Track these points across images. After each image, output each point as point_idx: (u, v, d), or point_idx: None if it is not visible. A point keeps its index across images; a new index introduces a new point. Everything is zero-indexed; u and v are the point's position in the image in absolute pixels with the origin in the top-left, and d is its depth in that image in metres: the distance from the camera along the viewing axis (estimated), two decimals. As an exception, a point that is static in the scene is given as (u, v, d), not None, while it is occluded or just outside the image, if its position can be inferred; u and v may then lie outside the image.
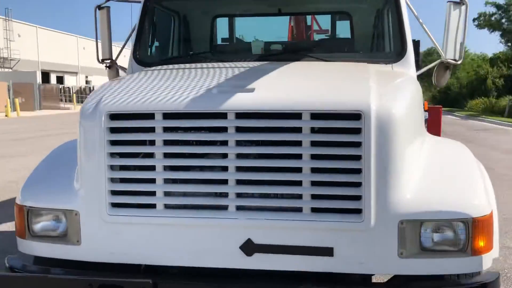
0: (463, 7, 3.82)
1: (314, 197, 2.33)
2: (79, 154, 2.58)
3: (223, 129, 2.38)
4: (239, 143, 2.38)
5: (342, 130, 2.32)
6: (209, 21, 4.80)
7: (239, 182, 2.37)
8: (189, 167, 2.45)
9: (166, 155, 2.43)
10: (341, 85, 2.67)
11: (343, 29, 5.12)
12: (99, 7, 4.09)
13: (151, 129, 2.43)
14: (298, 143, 2.33)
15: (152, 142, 2.44)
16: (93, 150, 2.47)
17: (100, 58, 4.18)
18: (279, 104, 2.36)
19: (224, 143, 2.38)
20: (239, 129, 2.36)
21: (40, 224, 2.60)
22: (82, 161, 2.55)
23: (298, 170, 2.34)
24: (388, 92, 2.51)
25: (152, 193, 2.44)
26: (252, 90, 2.45)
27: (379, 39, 4.22)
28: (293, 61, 3.50)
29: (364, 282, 2.46)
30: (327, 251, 2.33)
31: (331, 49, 4.03)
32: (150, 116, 2.43)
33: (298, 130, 2.33)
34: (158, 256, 2.47)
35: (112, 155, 2.46)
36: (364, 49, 4.29)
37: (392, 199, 2.30)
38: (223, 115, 2.37)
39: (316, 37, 7.93)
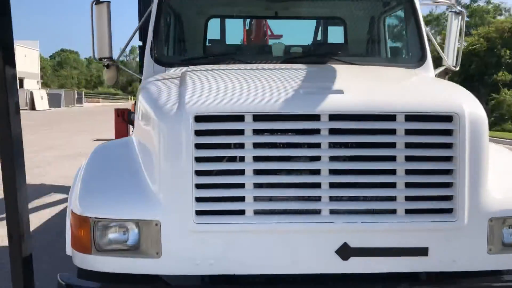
0: (460, 16, 4.07)
1: (407, 198, 2.35)
2: (158, 159, 2.39)
3: (315, 131, 2.33)
4: (332, 145, 2.34)
5: (435, 131, 2.37)
6: (221, 22, 4.71)
7: (332, 185, 2.34)
8: (278, 171, 2.36)
9: (256, 159, 2.33)
10: (430, 88, 2.72)
11: (337, 35, 5.23)
12: (97, 2, 3.82)
13: (240, 132, 2.31)
14: (392, 145, 2.34)
15: (240, 145, 2.32)
16: (177, 154, 2.31)
17: (97, 56, 3.87)
18: (373, 106, 2.36)
19: (316, 145, 2.33)
20: (332, 131, 2.32)
21: (110, 237, 2.37)
22: (163, 167, 2.37)
23: (392, 172, 2.35)
24: (468, 94, 2.60)
25: (241, 199, 2.32)
26: (341, 92, 2.42)
27: (398, 44, 4.37)
28: (318, 63, 3.52)
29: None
30: (422, 251, 2.36)
31: (354, 53, 4.10)
32: (239, 118, 2.32)
33: (391, 132, 2.35)
34: (248, 264, 2.35)
35: (198, 159, 2.31)
36: (382, 54, 4.40)
37: (483, 198, 2.38)
38: (315, 117, 2.32)
39: (271, 41, 8.05)
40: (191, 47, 4.33)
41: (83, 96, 57.76)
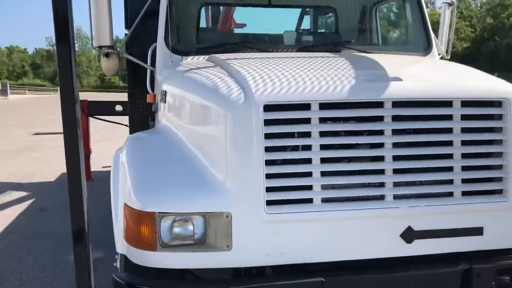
0: (452, 7, 4.29)
1: (463, 181, 2.46)
2: (223, 149, 2.32)
3: (378, 119, 2.36)
4: (394, 132, 2.38)
5: (486, 116, 2.48)
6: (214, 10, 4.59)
7: (395, 171, 2.38)
8: (343, 158, 2.37)
9: (322, 147, 2.32)
10: (474, 75, 2.83)
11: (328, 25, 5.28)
12: None
13: (306, 120, 2.30)
14: (449, 130, 2.43)
15: (307, 134, 2.31)
16: (247, 145, 2.25)
17: (96, 44, 3.63)
18: (433, 92, 2.43)
19: (380, 132, 2.37)
20: (395, 118, 2.37)
21: (176, 232, 2.26)
22: (232, 158, 2.30)
23: (450, 156, 2.43)
24: (505, 81, 2.75)
25: (309, 187, 2.31)
26: (400, 79, 2.46)
27: (404, 33, 4.50)
28: (333, 52, 3.56)
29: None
30: (478, 231, 2.47)
31: (364, 42, 4.18)
32: (306, 106, 2.30)
33: (448, 117, 2.43)
34: (317, 252, 2.35)
35: (267, 149, 2.26)
36: (389, 42, 4.52)
37: None
38: (379, 104, 2.35)
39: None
40: (201, 35, 4.18)
41: (8, 87, 53.90)
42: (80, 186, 2.06)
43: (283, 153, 2.30)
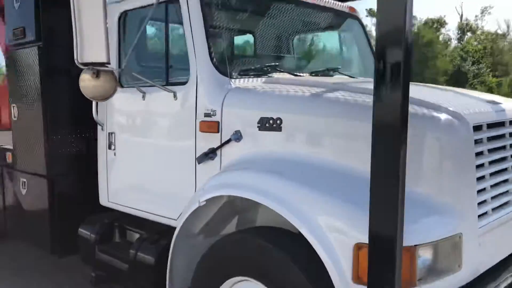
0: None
1: None
2: (438, 170, 2.38)
3: None
4: None
5: None
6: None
7: None
8: None
9: None
10: None
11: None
12: None
13: (502, 136, 2.71)
14: None
15: (503, 148, 2.70)
16: (463, 164, 2.42)
17: (83, 60, 2.79)
18: None
19: None
20: None
21: (427, 262, 2.20)
22: (449, 178, 2.38)
23: None
24: None
25: (506, 193, 2.70)
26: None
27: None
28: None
29: None
30: None
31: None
32: (501, 124, 2.72)
33: None
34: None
35: (477, 166, 2.47)
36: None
37: None
38: None
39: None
40: (238, 58, 3.95)
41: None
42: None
43: (488, 168, 2.56)
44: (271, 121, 2.76)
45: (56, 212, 4.09)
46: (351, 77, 3.94)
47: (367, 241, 2.12)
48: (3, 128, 7.22)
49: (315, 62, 4.19)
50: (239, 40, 3.68)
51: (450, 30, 56.85)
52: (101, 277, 3.85)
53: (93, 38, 2.85)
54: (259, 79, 3.26)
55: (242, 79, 3.18)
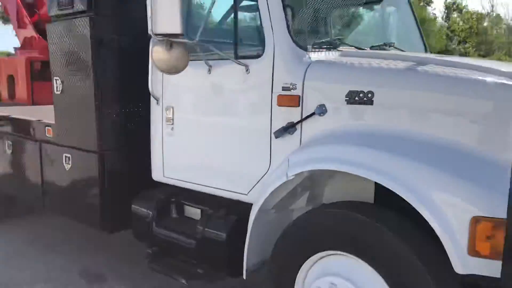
0: None
1: None
2: None
3: None
4: None
5: None
6: None
7: None
8: None
9: None
10: None
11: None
12: None
13: None
14: None
15: None
16: None
17: (158, 30, 2.83)
18: None
19: None
20: None
21: None
22: None
23: None
24: None
25: None
26: None
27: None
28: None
29: None
30: None
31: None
32: None
33: None
34: None
35: None
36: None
37: None
38: None
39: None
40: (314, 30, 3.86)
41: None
42: None
43: None
44: (361, 95, 2.73)
45: (106, 188, 4.02)
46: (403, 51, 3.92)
47: (484, 215, 2.16)
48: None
49: (369, 36, 4.15)
50: (305, 14, 3.58)
51: (436, 9, 57.21)
52: (158, 253, 3.84)
53: (166, 9, 2.82)
54: (331, 52, 3.22)
55: (317, 53, 3.13)
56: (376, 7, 4.31)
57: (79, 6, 3.87)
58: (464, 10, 42.06)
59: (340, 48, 3.36)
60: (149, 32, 2.92)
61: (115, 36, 3.89)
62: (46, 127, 4.56)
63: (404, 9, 4.42)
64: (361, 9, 4.26)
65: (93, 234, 4.78)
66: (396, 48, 3.89)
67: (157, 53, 2.96)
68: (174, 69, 3.04)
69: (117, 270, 4.80)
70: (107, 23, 3.88)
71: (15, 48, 8.20)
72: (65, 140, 4.32)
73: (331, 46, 3.33)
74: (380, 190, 2.75)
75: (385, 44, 3.85)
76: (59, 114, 4.34)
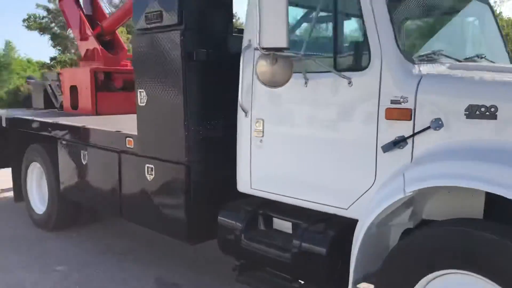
0: None
1: None
2: None
3: None
4: None
5: None
6: None
7: None
8: None
9: None
10: None
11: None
12: None
13: None
14: None
15: None
16: None
17: (266, 44, 2.81)
18: None
19: None
20: None
21: None
22: None
23: None
24: None
25: None
26: None
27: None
28: None
29: None
30: None
31: None
32: None
33: None
34: None
35: None
36: None
37: None
38: None
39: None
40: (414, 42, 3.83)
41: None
42: None
43: None
44: (482, 109, 2.66)
45: (192, 199, 4.05)
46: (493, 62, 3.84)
47: None
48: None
49: (459, 48, 4.07)
50: (407, 26, 3.56)
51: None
52: (246, 266, 3.82)
53: (272, 23, 2.83)
54: (437, 65, 3.17)
55: (424, 65, 3.08)
56: (461, 17, 4.23)
57: (169, 20, 3.93)
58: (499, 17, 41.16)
59: (441, 60, 3.31)
60: (257, 46, 2.93)
61: (203, 49, 3.93)
62: (127, 138, 4.63)
63: (488, 19, 4.33)
64: (451, 20, 4.18)
65: (161, 243, 4.79)
66: (487, 59, 3.81)
67: (261, 66, 2.98)
68: (277, 83, 3.05)
69: (193, 281, 4.82)
70: (196, 37, 3.92)
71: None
72: (148, 150, 4.37)
73: (433, 58, 3.28)
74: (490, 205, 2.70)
75: (477, 56, 3.78)
76: (143, 125, 4.40)
